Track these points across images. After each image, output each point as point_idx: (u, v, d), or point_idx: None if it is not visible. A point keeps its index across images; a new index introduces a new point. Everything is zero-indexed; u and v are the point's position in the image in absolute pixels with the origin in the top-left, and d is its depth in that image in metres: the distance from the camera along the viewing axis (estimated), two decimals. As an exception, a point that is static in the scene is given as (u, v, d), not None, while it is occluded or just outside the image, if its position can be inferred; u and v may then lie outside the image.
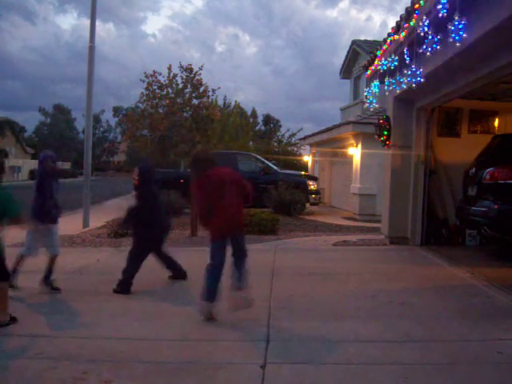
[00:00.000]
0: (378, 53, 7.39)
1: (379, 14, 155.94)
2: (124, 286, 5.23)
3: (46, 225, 5.14)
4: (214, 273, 4.34)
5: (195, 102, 13.36)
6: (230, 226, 4.34)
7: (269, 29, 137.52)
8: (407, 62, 5.90)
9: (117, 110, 61.23)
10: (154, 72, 13.78)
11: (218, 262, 4.32)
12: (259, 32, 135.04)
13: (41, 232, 5.12)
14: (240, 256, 4.49)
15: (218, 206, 4.26)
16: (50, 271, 5.19)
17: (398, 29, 6.35)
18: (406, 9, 5.87)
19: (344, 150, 15.40)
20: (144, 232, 5.43)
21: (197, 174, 4.47)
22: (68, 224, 9.51)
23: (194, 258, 7.52)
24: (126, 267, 5.32)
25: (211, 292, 4.31)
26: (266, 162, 15.48)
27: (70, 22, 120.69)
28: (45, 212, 5.08)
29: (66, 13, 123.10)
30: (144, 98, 13.91)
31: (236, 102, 30.99)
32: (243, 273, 4.47)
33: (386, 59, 6.78)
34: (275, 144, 30.47)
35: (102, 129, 66.03)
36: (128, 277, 5.27)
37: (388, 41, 6.85)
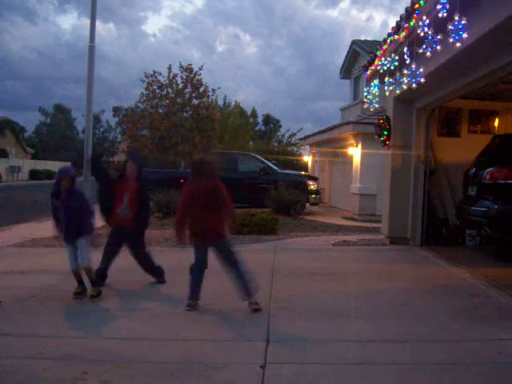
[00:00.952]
0: (378, 53, 7.39)
1: (380, 13, 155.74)
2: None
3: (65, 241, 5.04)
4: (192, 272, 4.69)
5: (195, 102, 13.36)
6: (197, 232, 4.54)
7: (269, 29, 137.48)
8: (407, 61, 5.90)
9: (117, 110, 61.14)
10: (154, 72, 13.77)
11: (195, 262, 4.68)
12: (260, 32, 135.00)
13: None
14: (229, 264, 4.60)
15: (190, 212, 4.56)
16: (92, 280, 5.02)
17: (397, 29, 6.35)
18: (406, 9, 5.87)
19: (344, 150, 15.41)
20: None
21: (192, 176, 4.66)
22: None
23: (193, 257, 7.52)
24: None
25: (191, 290, 4.59)
26: (266, 162, 15.48)
27: (70, 21, 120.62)
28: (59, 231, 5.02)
29: (66, 12, 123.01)
30: (144, 98, 13.91)
31: (236, 102, 31.03)
32: (242, 280, 4.55)
33: (385, 59, 6.78)
34: (275, 144, 30.48)
35: (102, 129, 65.99)
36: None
37: (388, 41, 6.85)
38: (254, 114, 34.82)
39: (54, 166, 48.50)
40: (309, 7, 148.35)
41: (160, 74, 13.19)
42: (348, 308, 4.68)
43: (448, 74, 6.40)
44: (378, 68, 7.29)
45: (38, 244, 8.28)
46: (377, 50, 7.59)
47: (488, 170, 6.59)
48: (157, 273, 5.62)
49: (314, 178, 15.92)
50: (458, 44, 4.65)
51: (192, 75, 13.15)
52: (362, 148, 13.48)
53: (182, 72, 13.18)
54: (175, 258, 7.34)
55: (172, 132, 11.83)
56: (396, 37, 6.40)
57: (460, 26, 4.50)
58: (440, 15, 4.68)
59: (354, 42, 19.02)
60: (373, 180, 12.96)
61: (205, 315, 4.45)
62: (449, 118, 8.90)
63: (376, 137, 8.89)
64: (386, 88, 7.08)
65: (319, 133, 17.92)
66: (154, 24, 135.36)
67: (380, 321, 4.30)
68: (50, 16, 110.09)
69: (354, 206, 13.96)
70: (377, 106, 8.21)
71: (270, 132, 38.61)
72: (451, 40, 4.63)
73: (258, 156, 16.31)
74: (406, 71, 6.16)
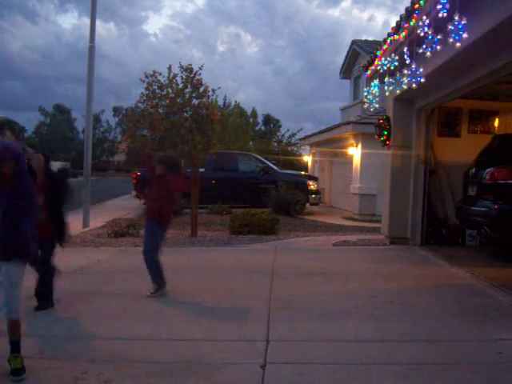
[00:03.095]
0: (378, 53, 7.39)
1: (382, 13, 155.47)
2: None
3: None
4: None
5: (195, 102, 13.34)
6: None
7: (270, 28, 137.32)
8: (407, 61, 5.90)
9: (117, 110, 61.29)
10: (154, 72, 13.78)
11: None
12: (261, 31, 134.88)
13: None
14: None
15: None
16: (14, 343, 3.11)
17: (398, 29, 6.35)
18: (406, 9, 5.87)
19: (344, 150, 15.40)
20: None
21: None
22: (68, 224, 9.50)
23: (193, 257, 7.53)
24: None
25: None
26: (266, 162, 15.49)
27: (71, 21, 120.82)
28: None
29: (67, 12, 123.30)
30: (144, 98, 13.91)
31: (236, 101, 31.03)
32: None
33: (385, 59, 6.78)
34: (275, 144, 30.47)
35: (102, 129, 66.05)
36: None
37: (388, 41, 6.84)
38: (254, 114, 34.81)
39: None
40: (310, 7, 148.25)
41: (160, 74, 13.18)
42: (348, 308, 4.68)
43: (448, 74, 6.40)
44: (378, 68, 7.29)
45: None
46: (377, 50, 7.59)
47: (488, 170, 6.59)
48: (44, 298, 4.58)
49: (314, 178, 15.93)
50: (458, 44, 4.65)
51: (192, 75, 13.15)
52: (362, 148, 13.48)
53: (181, 72, 13.17)
54: (172, 258, 7.35)
55: (172, 132, 11.82)
56: (396, 37, 6.40)
57: (460, 26, 4.50)
58: (440, 15, 4.68)
59: (353, 42, 19.02)
60: (373, 180, 12.96)
61: (205, 315, 4.45)
62: (449, 118, 8.89)
63: (376, 137, 8.90)
64: (385, 88, 7.08)
65: (319, 133, 17.92)
66: (155, 23, 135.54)
67: (380, 321, 4.30)
68: (50, 15, 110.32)
69: (354, 205, 13.96)
70: (377, 106, 8.21)
71: (270, 132, 38.61)
72: (451, 40, 4.63)
73: (258, 156, 16.32)
74: (406, 71, 6.16)
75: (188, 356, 3.47)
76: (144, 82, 12.37)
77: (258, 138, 32.36)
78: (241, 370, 3.25)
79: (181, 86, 12.28)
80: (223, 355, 3.49)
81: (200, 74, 12.43)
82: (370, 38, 20.24)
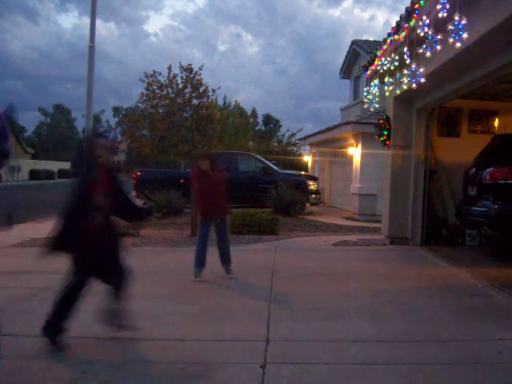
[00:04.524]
0: (378, 53, 7.39)
1: (383, 13, 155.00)
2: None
3: None
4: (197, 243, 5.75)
5: (195, 101, 13.37)
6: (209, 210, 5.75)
7: (271, 28, 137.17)
8: (407, 61, 5.91)
9: (117, 110, 61.36)
10: (154, 72, 13.81)
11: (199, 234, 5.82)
12: (261, 31, 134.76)
13: None
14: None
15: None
16: None
17: (398, 29, 6.35)
18: (406, 9, 5.87)
19: (344, 150, 15.41)
20: None
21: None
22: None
23: (193, 258, 7.51)
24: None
25: (196, 259, 5.68)
26: (266, 161, 15.48)
27: (72, 20, 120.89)
28: None
29: (68, 12, 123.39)
30: (144, 97, 13.94)
31: (236, 101, 31.10)
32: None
33: (385, 59, 6.79)
34: (275, 144, 30.48)
35: (102, 129, 66.06)
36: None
37: (388, 41, 6.85)
38: (254, 114, 34.87)
39: (54, 166, 48.47)
40: (311, 6, 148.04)
41: (160, 74, 13.21)
42: (348, 308, 4.68)
43: (448, 74, 6.40)
44: (378, 68, 7.30)
45: (38, 244, 8.28)
46: (377, 50, 7.60)
47: (488, 169, 6.59)
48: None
49: (314, 178, 15.93)
50: (458, 44, 4.65)
51: (192, 75, 13.17)
52: (362, 148, 13.48)
53: (181, 72, 13.20)
54: (172, 259, 7.34)
55: (172, 132, 11.85)
56: (396, 37, 6.40)
57: (460, 26, 4.51)
58: (440, 15, 4.69)
59: (353, 42, 19.03)
60: (373, 180, 12.96)
61: (205, 315, 4.45)
62: (449, 118, 8.90)
63: (376, 137, 8.90)
64: (385, 88, 7.08)
65: (319, 133, 17.92)
66: (156, 23, 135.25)
67: (380, 321, 4.30)
68: (50, 15, 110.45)
69: (354, 206, 13.96)
70: (377, 106, 8.22)
71: (270, 132, 38.65)
72: (451, 40, 4.64)
73: (258, 156, 16.31)
74: (406, 71, 6.17)
75: (188, 356, 3.47)
76: (144, 82, 12.37)
77: (259, 138, 32.39)
78: (241, 369, 3.25)
79: (181, 86, 12.30)
80: (223, 355, 3.49)
81: (200, 74, 12.45)
82: (371, 38, 20.29)
